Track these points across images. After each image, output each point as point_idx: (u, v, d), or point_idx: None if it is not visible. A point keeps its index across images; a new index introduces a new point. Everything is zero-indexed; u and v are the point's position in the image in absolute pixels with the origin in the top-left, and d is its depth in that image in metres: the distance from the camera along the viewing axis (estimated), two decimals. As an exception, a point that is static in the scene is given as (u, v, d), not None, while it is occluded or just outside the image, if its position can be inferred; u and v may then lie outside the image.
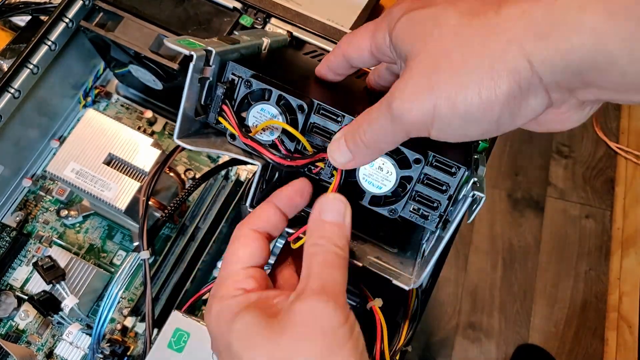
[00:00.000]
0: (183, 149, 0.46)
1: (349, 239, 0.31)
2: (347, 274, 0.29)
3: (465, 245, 1.44)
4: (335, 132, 0.34)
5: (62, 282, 0.47)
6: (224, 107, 0.35)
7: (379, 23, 0.30)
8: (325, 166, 0.34)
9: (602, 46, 0.20)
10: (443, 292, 1.42)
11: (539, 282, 1.42)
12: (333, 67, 0.36)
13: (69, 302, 0.46)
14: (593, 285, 1.42)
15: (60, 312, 0.48)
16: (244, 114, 0.35)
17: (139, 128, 0.57)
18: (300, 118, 0.34)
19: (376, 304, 0.45)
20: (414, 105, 0.25)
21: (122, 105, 0.59)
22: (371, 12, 0.54)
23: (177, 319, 0.40)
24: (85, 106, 0.57)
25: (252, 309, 0.28)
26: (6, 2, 0.57)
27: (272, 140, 0.35)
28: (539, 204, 1.50)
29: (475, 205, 0.30)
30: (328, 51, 0.47)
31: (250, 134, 0.34)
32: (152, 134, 0.57)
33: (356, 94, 0.42)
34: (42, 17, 0.58)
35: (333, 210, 0.31)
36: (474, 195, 0.30)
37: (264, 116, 0.34)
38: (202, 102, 0.35)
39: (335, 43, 0.47)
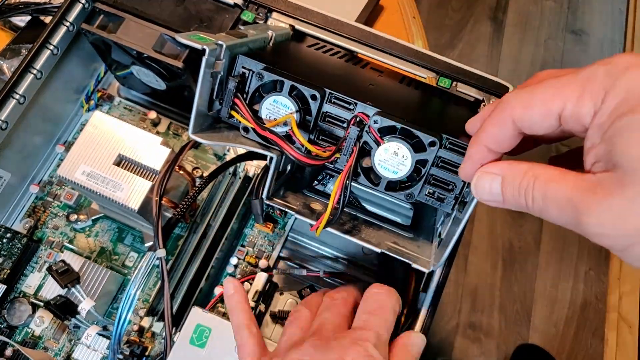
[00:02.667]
0: (192, 146, 0.46)
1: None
2: None
3: (465, 246, 1.44)
4: (348, 120, 0.34)
5: (77, 286, 0.47)
6: (237, 100, 0.35)
7: (590, 87, 0.24)
8: (341, 155, 0.35)
9: None
10: (443, 292, 1.38)
11: (539, 282, 1.42)
12: (494, 140, 0.28)
13: (85, 305, 0.46)
14: (593, 285, 1.42)
15: (77, 316, 0.48)
16: (254, 107, 0.36)
17: (143, 129, 0.57)
18: (314, 107, 0.34)
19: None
20: (614, 231, 0.23)
21: (124, 108, 0.59)
22: (374, 7, 0.55)
23: (197, 315, 0.40)
24: (88, 110, 0.57)
25: None
26: (6, 2, 0.56)
27: (286, 131, 0.35)
28: (539, 204, 1.50)
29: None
30: (332, 43, 0.47)
31: (266, 126, 0.34)
32: (156, 135, 0.57)
33: (365, 84, 0.42)
34: (42, 17, 0.57)
35: None
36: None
37: (277, 107, 0.34)
38: (214, 97, 0.35)
39: (339, 35, 0.47)
